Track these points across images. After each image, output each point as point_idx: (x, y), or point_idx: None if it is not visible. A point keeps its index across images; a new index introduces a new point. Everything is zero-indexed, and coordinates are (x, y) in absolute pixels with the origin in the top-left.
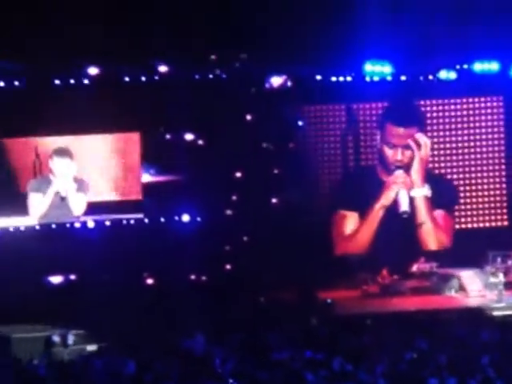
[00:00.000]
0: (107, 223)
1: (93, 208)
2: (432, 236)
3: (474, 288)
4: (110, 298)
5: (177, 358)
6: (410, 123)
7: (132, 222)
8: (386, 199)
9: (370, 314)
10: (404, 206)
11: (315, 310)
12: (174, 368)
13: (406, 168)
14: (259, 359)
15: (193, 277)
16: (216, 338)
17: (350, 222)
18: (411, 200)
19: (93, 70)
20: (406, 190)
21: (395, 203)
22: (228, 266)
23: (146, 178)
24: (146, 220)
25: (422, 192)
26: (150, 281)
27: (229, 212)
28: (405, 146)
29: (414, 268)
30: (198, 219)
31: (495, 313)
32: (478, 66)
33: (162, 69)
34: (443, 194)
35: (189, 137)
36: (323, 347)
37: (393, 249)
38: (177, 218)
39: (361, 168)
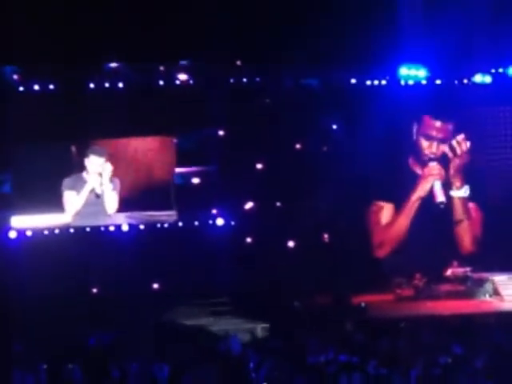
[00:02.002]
0: (141, 227)
1: (124, 205)
2: (468, 233)
3: (509, 293)
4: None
5: (211, 361)
6: (447, 118)
7: (166, 225)
8: (422, 190)
9: (404, 318)
10: (440, 197)
11: (350, 313)
12: (208, 372)
13: (440, 161)
14: (294, 363)
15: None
16: (251, 343)
17: (386, 212)
18: (450, 199)
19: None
20: (441, 182)
21: (431, 198)
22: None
23: (180, 179)
24: (181, 223)
25: (461, 193)
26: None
27: (265, 216)
28: (440, 139)
29: (449, 272)
30: (232, 223)
31: None
32: None
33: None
34: (476, 188)
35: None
36: (358, 351)
37: (428, 252)
38: (211, 221)
39: (395, 161)
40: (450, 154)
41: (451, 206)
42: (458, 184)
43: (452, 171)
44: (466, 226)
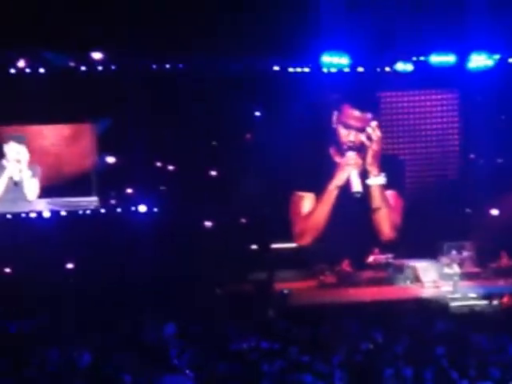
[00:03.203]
0: (63, 213)
1: (45, 191)
2: (386, 220)
3: (429, 279)
4: (71, 288)
5: (133, 349)
6: (366, 107)
7: (88, 212)
8: (338, 180)
9: (326, 305)
10: (356, 187)
11: (272, 300)
12: (130, 359)
13: (358, 150)
14: (216, 350)
15: (150, 269)
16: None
17: (307, 202)
18: (367, 187)
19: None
20: (358, 171)
21: (348, 187)
22: (184, 258)
23: (99, 165)
24: (103, 210)
25: (378, 181)
26: (108, 272)
27: (187, 204)
28: (358, 128)
29: (371, 259)
30: (155, 210)
31: (450, 303)
32: (435, 59)
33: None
34: (394, 175)
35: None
36: (280, 338)
37: (349, 239)
38: (133, 208)
39: (315, 150)
40: (367, 142)
41: (369, 194)
42: (374, 172)
43: (369, 159)
44: (384, 214)
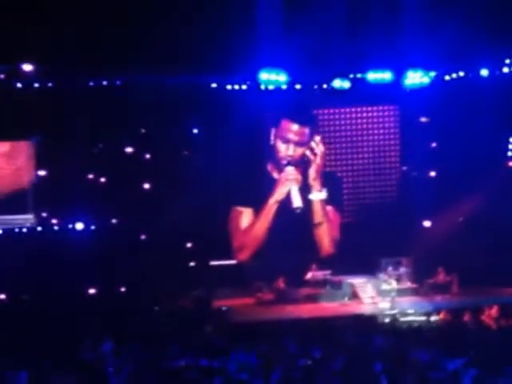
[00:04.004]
0: None
1: None
2: (327, 235)
3: (367, 295)
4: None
5: (71, 368)
6: (304, 121)
7: (24, 230)
8: (279, 194)
9: (265, 322)
10: (296, 202)
11: (211, 317)
12: (68, 378)
13: (297, 164)
14: (154, 368)
15: (87, 286)
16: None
17: (245, 217)
18: (309, 202)
19: None
20: (298, 187)
21: (288, 201)
22: (122, 275)
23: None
24: (39, 228)
25: (320, 196)
26: (45, 290)
27: (124, 220)
28: (297, 142)
29: (309, 276)
30: (93, 227)
31: (388, 319)
32: (372, 76)
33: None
34: (333, 191)
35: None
36: (218, 355)
37: (287, 256)
38: (70, 225)
39: (254, 166)
40: (311, 156)
41: (311, 209)
42: (318, 187)
43: (312, 174)
44: (325, 229)
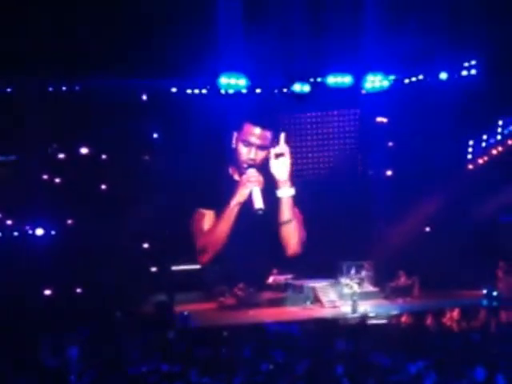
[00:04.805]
0: None
1: None
2: (295, 233)
3: (329, 299)
4: None
5: (32, 374)
6: (266, 125)
7: None
8: (240, 196)
9: (226, 326)
10: (258, 204)
11: (172, 322)
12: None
13: (259, 167)
14: (116, 374)
15: (47, 291)
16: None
17: (207, 219)
18: (276, 201)
19: None
20: (260, 188)
21: (250, 203)
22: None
23: None
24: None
25: (290, 192)
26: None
27: (83, 224)
28: (259, 145)
29: (270, 280)
30: (53, 232)
31: (349, 323)
32: (332, 80)
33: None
34: (298, 192)
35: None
36: (180, 360)
37: (250, 260)
38: (30, 231)
39: (216, 169)
40: (280, 153)
41: (279, 207)
42: (289, 183)
43: (282, 169)
44: (293, 227)
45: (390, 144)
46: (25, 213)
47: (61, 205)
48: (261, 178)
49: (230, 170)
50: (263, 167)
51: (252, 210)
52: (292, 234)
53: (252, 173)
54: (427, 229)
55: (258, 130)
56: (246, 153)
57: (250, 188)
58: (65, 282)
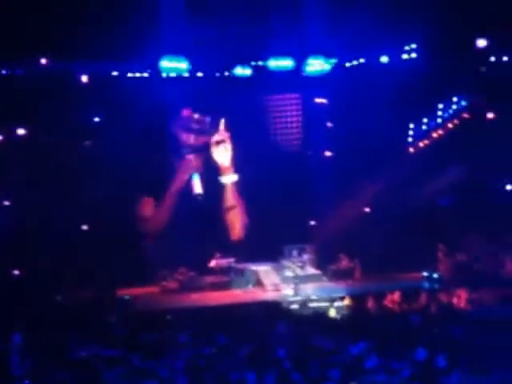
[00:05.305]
0: None
1: None
2: (239, 219)
3: (271, 282)
4: None
5: None
6: (205, 110)
7: None
8: (180, 182)
9: (169, 310)
10: (197, 189)
11: (114, 307)
12: None
13: (198, 152)
14: (57, 359)
15: None
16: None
17: (148, 206)
18: (221, 186)
19: None
20: (198, 174)
21: (190, 188)
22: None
23: None
24: None
25: (233, 178)
26: None
27: (21, 207)
28: (198, 131)
29: (213, 264)
30: None
31: (291, 306)
32: (273, 63)
33: None
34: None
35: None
36: (122, 344)
37: (192, 243)
38: None
39: (155, 155)
40: (221, 140)
41: (223, 193)
42: (230, 170)
43: (224, 157)
44: (237, 212)
45: (329, 125)
46: None
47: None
48: (200, 164)
49: (170, 155)
50: (204, 153)
51: (192, 196)
52: (236, 220)
53: (191, 159)
54: (367, 209)
55: (196, 116)
56: (185, 138)
57: (190, 174)
58: (1, 266)
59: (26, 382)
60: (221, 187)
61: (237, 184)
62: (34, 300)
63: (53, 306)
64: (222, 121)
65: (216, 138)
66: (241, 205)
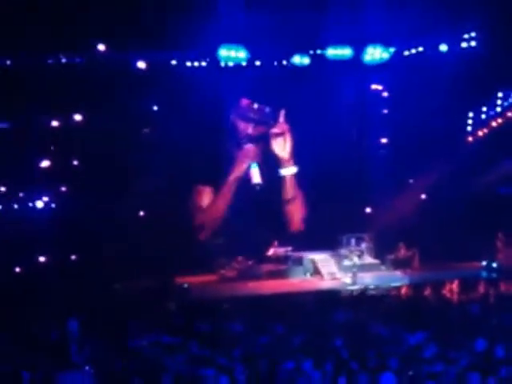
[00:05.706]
0: None
1: None
2: (299, 210)
3: (328, 271)
4: None
5: (32, 346)
6: (264, 100)
7: None
8: (238, 171)
9: (227, 299)
10: (256, 179)
11: (172, 295)
12: (28, 356)
13: (257, 142)
14: (117, 346)
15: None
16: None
17: (206, 195)
18: (280, 178)
19: None
20: (258, 163)
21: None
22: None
23: None
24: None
25: (292, 170)
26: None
27: (82, 196)
28: (257, 120)
29: (270, 252)
30: (53, 205)
31: (349, 295)
32: (331, 52)
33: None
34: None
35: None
36: (181, 332)
37: (250, 232)
38: (30, 204)
39: (214, 144)
40: (280, 131)
41: (282, 185)
42: (290, 162)
43: (284, 149)
44: (297, 204)
45: (385, 111)
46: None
47: (58, 175)
48: (258, 153)
49: (228, 145)
50: (262, 143)
51: (250, 185)
52: (295, 211)
53: (249, 148)
54: (426, 201)
55: (255, 105)
56: (243, 128)
57: (248, 163)
58: (63, 255)
59: (87, 367)
60: (279, 178)
61: (296, 175)
62: (93, 288)
63: (112, 294)
64: (282, 112)
65: (276, 130)
66: (300, 196)
